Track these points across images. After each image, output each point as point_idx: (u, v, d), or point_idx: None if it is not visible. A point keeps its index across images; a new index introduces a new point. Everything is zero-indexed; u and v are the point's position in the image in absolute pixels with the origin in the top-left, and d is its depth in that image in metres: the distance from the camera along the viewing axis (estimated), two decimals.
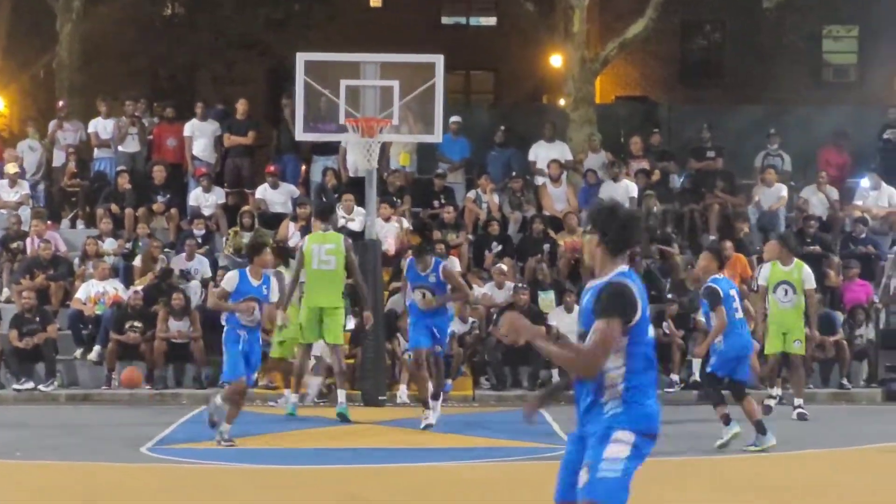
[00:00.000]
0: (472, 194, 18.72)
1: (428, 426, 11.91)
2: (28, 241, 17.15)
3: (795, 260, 14.76)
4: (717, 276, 11.75)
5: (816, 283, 15.68)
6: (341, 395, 13.30)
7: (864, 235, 17.99)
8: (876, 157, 20.26)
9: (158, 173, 18.42)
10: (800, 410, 14.34)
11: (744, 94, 27.48)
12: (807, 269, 14.73)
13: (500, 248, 17.61)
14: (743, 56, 28.87)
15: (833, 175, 19.46)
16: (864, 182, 19.30)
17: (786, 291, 14.62)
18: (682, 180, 20.32)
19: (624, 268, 5.56)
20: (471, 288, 16.59)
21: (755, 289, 15.48)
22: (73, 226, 18.31)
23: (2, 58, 23.42)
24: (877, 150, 20.36)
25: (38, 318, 15.51)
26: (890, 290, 18.00)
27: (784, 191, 18.85)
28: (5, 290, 17.23)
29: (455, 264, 16.98)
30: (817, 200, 18.72)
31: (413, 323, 12.79)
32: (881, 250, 18.33)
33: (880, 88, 29.57)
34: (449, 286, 12.27)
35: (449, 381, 16.51)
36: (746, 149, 21.32)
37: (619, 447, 4.92)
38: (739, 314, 11.58)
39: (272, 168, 18.49)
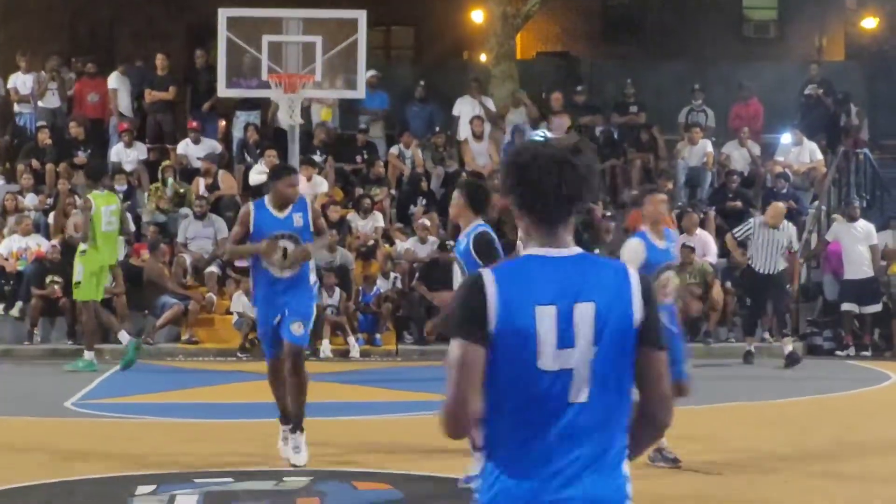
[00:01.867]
0: (395, 150, 18.74)
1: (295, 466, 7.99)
2: None
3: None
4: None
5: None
6: (88, 355, 13.57)
7: (785, 191, 17.97)
8: (797, 113, 20.33)
9: (78, 129, 18.24)
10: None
11: (666, 50, 27.33)
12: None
13: (423, 202, 17.66)
14: (665, 11, 28.61)
15: (740, 129, 19.61)
16: (786, 138, 19.44)
17: None
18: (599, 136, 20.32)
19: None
20: (393, 244, 16.72)
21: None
22: None
23: None
24: (798, 107, 20.44)
25: None
26: (811, 244, 18.00)
27: (709, 146, 18.90)
28: None
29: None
30: (739, 156, 18.89)
31: (262, 300, 8.29)
32: (802, 205, 18.35)
33: (801, 45, 29.64)
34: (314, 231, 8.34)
35: (378, 336, 16.75)
36: (670, 105, 21.21)
37: None
38: None
39: (194, 124, 18.39)
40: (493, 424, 2.85)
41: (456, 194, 8.57)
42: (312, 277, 8.40)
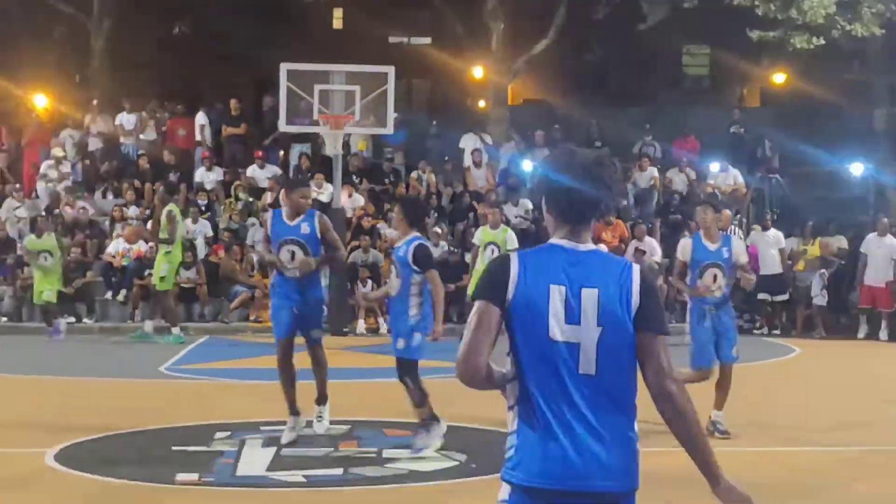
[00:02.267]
0: (414, 174, 18.18)
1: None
2: (66, 209, 16.34)
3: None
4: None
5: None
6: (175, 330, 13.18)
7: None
8: (725, 147, 20.03)
9: (170, 156, 17.84)
10: None
11: (624, 99, 26.34)
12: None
13: (436, 215, 17.13)
14: (623, 69, 27.75)
15: (680, 158, 19.23)
16: (714, 166, 19.09)
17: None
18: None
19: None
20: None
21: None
22: (104, 197, 17.60)
23: (50, 65, 22.75)
24: (726, 142, 20.12)
25: (79, 269, 15.04)
26: None
27: (656, 172, 18.46)
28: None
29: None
30: (679, 180, 18.50)
31: (277, 291, 7.38)
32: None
33: (728, 94, 29.04)
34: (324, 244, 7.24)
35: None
36: (626, 140, 20.62)
37: None
38: None
39: (260, 153, 17.89)
40: (519, 388, 2.68)
41: (396, 209, 7.96)
42: (324, 280, 7.79)
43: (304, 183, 8.21)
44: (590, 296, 2.60)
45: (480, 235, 13.80)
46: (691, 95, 28.91)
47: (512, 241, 13.31)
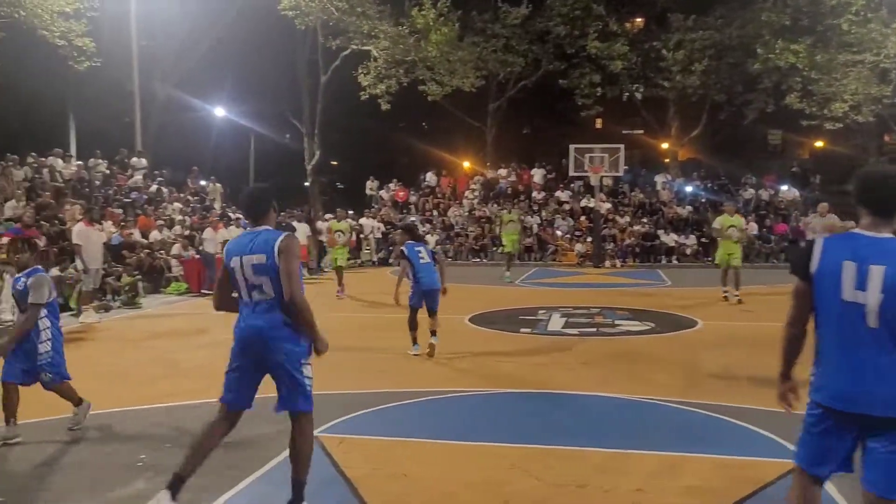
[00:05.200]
0: (633, 192, 30.30)
1: None
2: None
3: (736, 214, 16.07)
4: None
5: None
6: None
7: None
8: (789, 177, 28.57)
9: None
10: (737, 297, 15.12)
11: (735, 157, 33.51)
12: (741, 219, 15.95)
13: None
14: (735, 142, 35.63)
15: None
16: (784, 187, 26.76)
17: (734, 230, 15.56)
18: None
19: None
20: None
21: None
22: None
23: (469, 145, 34.34)
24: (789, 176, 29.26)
25: None
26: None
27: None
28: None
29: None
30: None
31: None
32: None
33: (790, 153, 36.10)
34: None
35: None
36: (735, 177, 28.73)
37: None
38: (425, 260, 9.93)
39: (560, 186, 30.68)
40: (819, 341, 3.18)
41: (399, 232, 10.98)
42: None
43: None
44: (876, 271, 3.06)
45: (721, 220, 15.66)
46: (772, 155, 38.80)
47: (740, 222, 15.51)
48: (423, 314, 10.27)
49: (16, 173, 19.73)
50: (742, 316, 13.70)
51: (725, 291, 15.61)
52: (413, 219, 23.51)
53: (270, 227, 4.90)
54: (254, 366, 4.78)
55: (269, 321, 4.69)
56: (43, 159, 21.74)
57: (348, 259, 19.92)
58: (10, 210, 16.01)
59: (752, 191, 29.63)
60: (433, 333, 10.16)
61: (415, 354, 10.15)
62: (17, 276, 6.49)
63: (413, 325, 10.21)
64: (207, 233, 19.58)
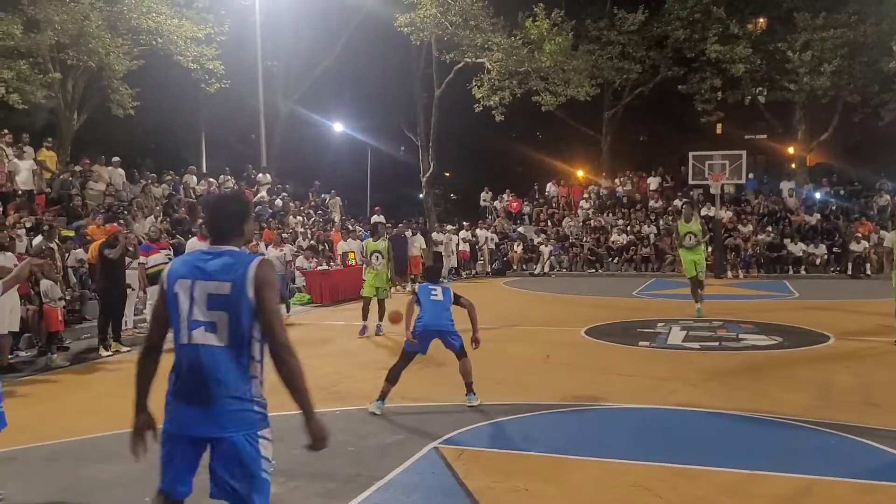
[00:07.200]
0: (756, 199, 30.80)
1: None
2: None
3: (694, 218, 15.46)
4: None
5: None
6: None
7: None
8: None
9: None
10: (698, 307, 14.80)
11: (866, 161, 32.28)
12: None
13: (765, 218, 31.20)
14: (866, 147, 34.01)
15: None
16: None
17: (690, 238, 14.88)
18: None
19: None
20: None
21: None
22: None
23: (585, 153, 37.98)
24: None
25: None
26: None
27: None
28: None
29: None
30: None
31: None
32: None
33: None
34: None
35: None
36: (868, 182, 28.94)
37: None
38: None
39: (679, 193, 31.10)
40: None
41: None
42: None
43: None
44: None
45: (678, 226, 15.39)
46: None
47: (698, 229, 15.29)
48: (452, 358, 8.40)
49: (154, 190, 21.29)
50: (879, 331, 13.18)
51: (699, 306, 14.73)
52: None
53: (236, 249, 3.70)
54: (189, 441, 3.50)
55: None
56: (179, 177, 23.51)
57: (388, 285, 14.38)
58: (149, 225, 16.70)
59: (887, 197, 29.15)
60: (469, 388, 8.25)
61: (371, 413, 8.00)
62: None
63: (393, 376, 8.08)
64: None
